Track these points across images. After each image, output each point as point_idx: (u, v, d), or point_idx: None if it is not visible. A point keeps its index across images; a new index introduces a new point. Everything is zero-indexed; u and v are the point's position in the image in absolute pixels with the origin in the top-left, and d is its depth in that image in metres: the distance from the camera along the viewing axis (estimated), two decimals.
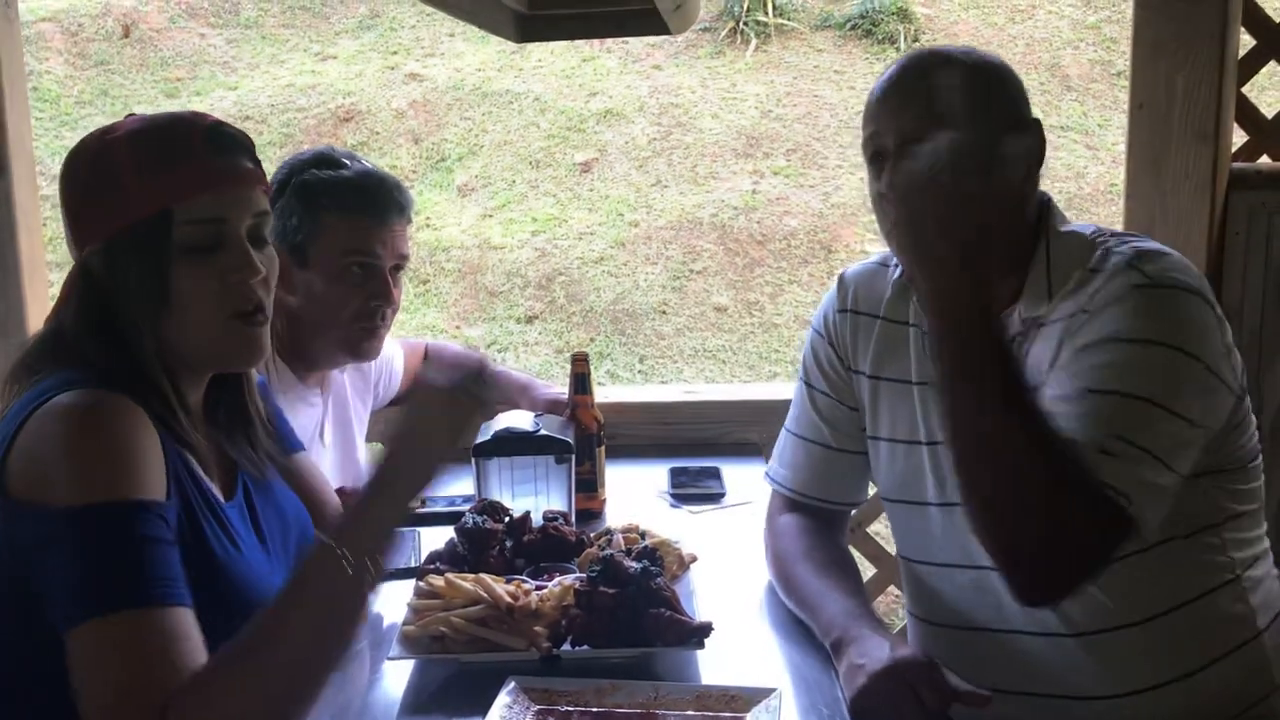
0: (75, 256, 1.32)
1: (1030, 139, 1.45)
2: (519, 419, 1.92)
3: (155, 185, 1.27)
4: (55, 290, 2.54)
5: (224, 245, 1.30)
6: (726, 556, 1.80)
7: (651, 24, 1.98)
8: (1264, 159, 2.30)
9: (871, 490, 1.78)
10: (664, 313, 7.94)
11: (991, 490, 1.27)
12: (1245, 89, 2.25)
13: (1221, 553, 1.45)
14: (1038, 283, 1.45)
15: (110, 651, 1.12)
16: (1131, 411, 1.30)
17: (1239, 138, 2.28)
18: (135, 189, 1.27)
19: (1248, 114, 2.28)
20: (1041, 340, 1.44)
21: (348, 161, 2.01)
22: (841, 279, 1.71)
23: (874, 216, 1.53)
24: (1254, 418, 1.48)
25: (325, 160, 2.00)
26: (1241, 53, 2.23)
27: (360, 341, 2.00)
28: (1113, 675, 1.44)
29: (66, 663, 1.15)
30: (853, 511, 1.85)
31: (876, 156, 1.46)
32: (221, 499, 1.34)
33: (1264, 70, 2.30)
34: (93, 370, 1.26)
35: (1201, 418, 1.35)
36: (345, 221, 1.95)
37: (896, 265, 1.60)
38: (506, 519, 1.68)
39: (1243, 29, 2.22)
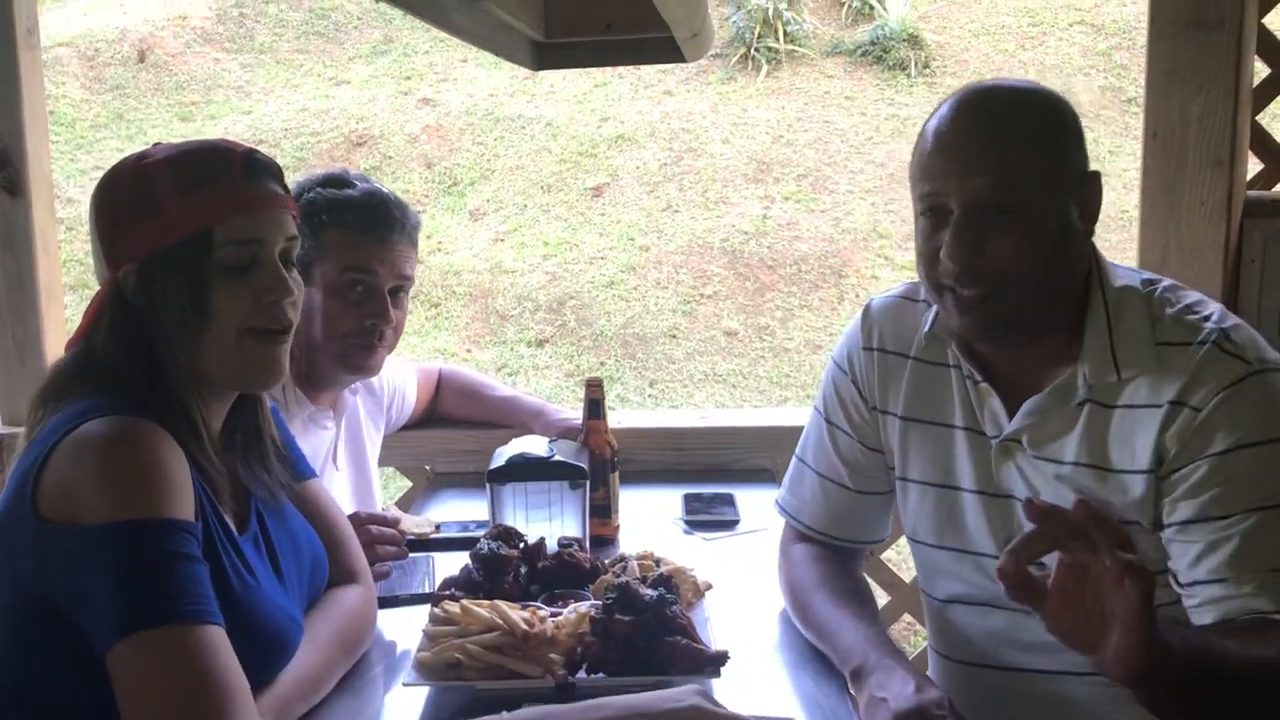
0: (105, 279, 1.34)
1: (1094, 194, 1.41)
2: (533, 444, 1.92)
3: (196, 206, 1.30)
4: (70, 314, 2.56)
5: (259, 266, 1.33)
6: (741, 584, 1.79)
7: (667, 52, 1.98)
8: (1279, 187, 2.30)
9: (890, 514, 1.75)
10: (674, 337, 7.94)
11: None
12: (1260, 117, 2.26)
13: None
14: (1100, 348, 1.40)
15: (159, 667, 1.12)
16: None
17: (1254, 166, 2.28)
18: (176, 210, 1.30)
19: (1262, 142, 2.29)
20: (1127, 421, 1.39)
21: (357, 182, 2.03)
22: (867, 313, 1.64)
23: (912, 258, 1.46)
24: None
25: (333, 180, 2.03)
26: (1256, 81, 2.24)
27: (356, 358, 2.00)
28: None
29: (89, 678, 1.15)
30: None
31: (933, 211, 1.40)
32: (235, 531, 1.35)
33: (1279, 99, 2.31)
34: (122, 393, 1.26)
35: None
36: (345, 238, 1.97)
37: (926, 302, 1.56)
38: (521, 545, 1.67)
39: (1257, 58, 2.23)
